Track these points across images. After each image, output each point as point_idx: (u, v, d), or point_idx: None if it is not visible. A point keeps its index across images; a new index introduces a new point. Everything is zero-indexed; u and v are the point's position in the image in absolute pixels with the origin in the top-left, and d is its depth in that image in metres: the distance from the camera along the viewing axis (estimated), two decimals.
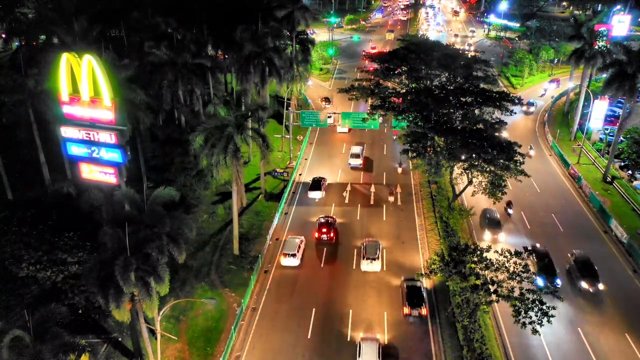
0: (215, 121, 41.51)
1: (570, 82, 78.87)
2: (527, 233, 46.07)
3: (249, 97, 57.64)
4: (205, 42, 59.66)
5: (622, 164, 61.75)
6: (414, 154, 46.11)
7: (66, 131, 34.25)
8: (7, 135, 49.85)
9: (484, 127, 46.37)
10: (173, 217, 30.45)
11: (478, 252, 32.42)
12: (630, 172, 59.79)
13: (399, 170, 58.69)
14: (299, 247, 42.13)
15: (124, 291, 26.46)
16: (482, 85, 54.62)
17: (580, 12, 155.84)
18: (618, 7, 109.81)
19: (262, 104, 50.09)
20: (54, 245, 32.41)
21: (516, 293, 30.24)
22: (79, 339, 27.60)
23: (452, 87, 52.89)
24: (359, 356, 31.16)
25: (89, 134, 33.64)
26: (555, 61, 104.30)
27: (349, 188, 54.85)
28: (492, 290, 30.69)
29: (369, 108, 54.16)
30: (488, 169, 42.98)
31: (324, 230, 44.55)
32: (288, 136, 63.07)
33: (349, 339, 33.96)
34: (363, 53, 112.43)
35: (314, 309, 36.50)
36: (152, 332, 32.37)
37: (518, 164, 42.79)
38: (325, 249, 44.03)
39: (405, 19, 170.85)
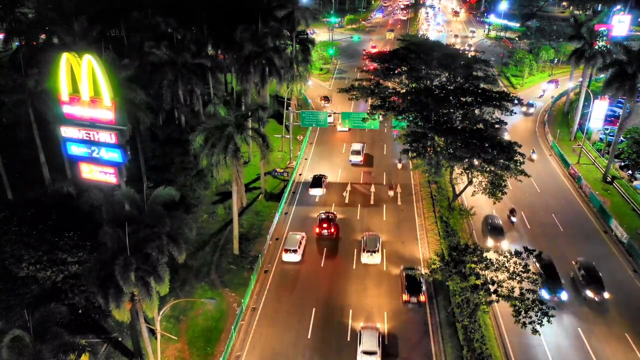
0: (215, 121, 41.51)
1: (570, 82, 78.89)
2: (530, 239, 45.46)
3: (249, 97, 57.66)
4: (205, 42, 59.67)
5: (622, 164, 61.74)
6: (414, 154, 46.12)
7: (66, 131, 34.26)
8: (7, 135, 49.84)
9: (484, 127, 46.36)
10: (173, 217, 30.44)
11: (478, 252, 32.43)
12: (630, 172, 59.78)
13: (399, 166, 58.90)
14: (300, 243, 42.66)
15: (124, 291, 26.46)
16: (482, 85, 54.61)
17: (580, 12, 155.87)
18: (618, 7, 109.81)
19: (262, 104, 50.09)
20: (54, 245, 32.39)
21: (516, 293, 30.27)
22: (79, 338, 27.63)
23: (452, 87, 52.88)
24: (360, 344, 31.98)
25: (89, 133, 33.64)
26: (555, 61, 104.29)
27: (349, 188, 54.85)
28: (492, 290, 30.70)
29: (369, 108, 54.17)
30: (488, 169, 42.99)
31: (325, 225, 45.12)
32: (288, 136, 63.07)
33: (349, 339, 33.94)
34: (364, 52, 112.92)
35: (314, 309, 36.48)
36: (152, 332, 32.36)
37: (518, 164, 42.79)
38: (326, 244, 44.55)
39: (405, 18, 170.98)
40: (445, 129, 45.21)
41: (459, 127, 45.98)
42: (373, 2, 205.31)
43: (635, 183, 56.51)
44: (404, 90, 54.86)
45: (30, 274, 32.05)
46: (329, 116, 61.23)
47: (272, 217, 48.21)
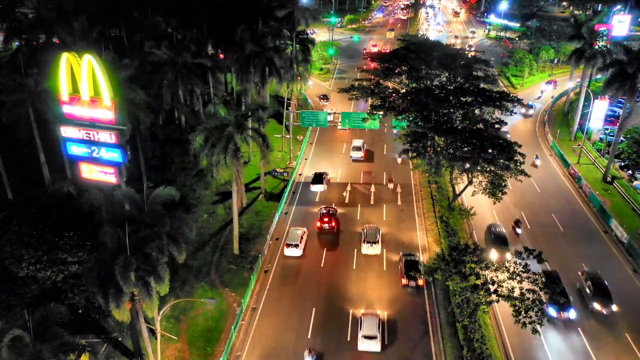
0: (215, 121, 41.51)
1: (571, 82, 78.87)
2: (530, 239, 45.32)
3: (249, 97, 57.66)
4: (205, 41, 59.71)
5: (622, 163, 61.74)
6: (414, 154, 46.12)
7: (66, 131, 34.24)
8: (7, 135, 49.83)
9: (484, 127, 46.36)
10: (173, 217, 30.42)
11: (478, 252, 32.42)
12: (630, 172, 59.78)
13: (399, 160, 59.11)
14: (302, 237, 43.23)
15: (124, 291, 26.45)
16: (482, 85, 54.63)
17: (581, 12, 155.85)
18: (618, 7, 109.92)
19: (262, 104, 50.06)
20: (54, 245, 32.40)
21: (516, 293, 30.26)
22: (79, 338, 27.60)
23: (452, 87, 52.89)
24: (360, 329, 32.99)
25: (89, 133, 33.63)
26: (556, 61, 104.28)
27: (349, 188, 54.86)
28: (492, 290, 30.71)
29: (369, 108, 54.18)
30: (488, 169, 42.98)
31: (326, 219, 45.88)
32: (288, 136, 63.07)
33: (349, 339, 33.95)
34: (364, 50, 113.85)
35: (314, 309, 36.45)
36: (152, 332, 32.36)
37: (518, 164, 42.80)
38: (327, 238, 45.37)
39: (405, 18, 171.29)
40: (445, 129, 45.21)
41: (459, 127, 45.98)
42: (373, 2, 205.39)
43: (635, 183, 56.52)
44: (404, 90, 54.89)
45: (30, 274, 32.05)
46: (329, 115, 61.31)
47: (272, 217, 48.21)
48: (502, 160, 42.44)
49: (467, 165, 43.78)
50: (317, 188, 53.67)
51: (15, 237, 32.88)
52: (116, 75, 36.67)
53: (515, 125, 73.46)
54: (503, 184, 43.10)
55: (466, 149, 43.48)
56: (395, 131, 63.42)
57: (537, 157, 60.80)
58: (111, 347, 33.12)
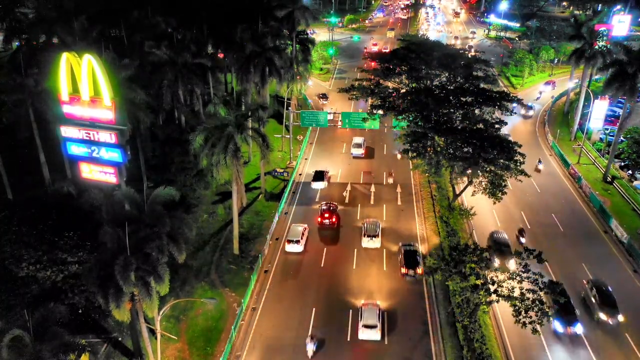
0: (216, 121, 41.50)
1: (571, 82, 78.86)
2: (530, 239, 45.47)
3: (249, 97, 57.64)
4: (205, 41, 59.68)
5: (622, 163, 61.74)
6: (414, 154, 46.11)
7: (66, 131, 34.24)
8: (7, 135, 49.83)
9: (484, 127, 46.35)
10: (173, 217, 30.42)
11: (478, 252, 32.42)
12: (630, 172, 59.78)
13: (399, 156, 59.20)
14: (303, 234, 43.83)
15: (124, 291, 26.45)
16: (482, 85, 54.62)
17: (581, 12, 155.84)
18: (618, 7, 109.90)
19: (262, 104, 50.08)
20: (54, 245, 32.40)
21: (516, 293, 30.25)
22: (79, 338, 27.59)
23: (452, 87, 52.89)
24: (361, 319, 33.83)
25: (89, 133, 33.63)
26: (556, 61, 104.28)
27: (349, 188, 54.86)
28: (492, 290, 30.71)
29: (369, 108, 54.17)
30: (488, 169, 42.96)
31: (327, 215, 46.60)
32: (288, 136, 63.08)
33: (349, 339, 33.96)
34: (365, 49, 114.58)
35: (314, 309, 36.44)
36: (152, 332, 32.36)
37: (518, 164, 42.79)
38: (327, 234, 46.12)
39: (405, 17, 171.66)
40: (445, 129, 45.21)
41: (459, 127, 45.97)
42: (373, 1, 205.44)
43: (635, 183, 56.52)
44: (404, 90, 54.88)
45: (30, 274, 32.05)
46: (329, 114, 61.41)
47: (272, 217, 48.21)
48: (502, 160, 42.41)
49: (468, 170, 43.74)
50: (318, 185, 54.28)
51: (15, 237, 32.89)
52: (116, 75, 36.66)
53: (515, 126, 73.36)
54: (503, 184, 43.10)
55: (466, 149, 43.48)
56: (395, 131, 63.43)
57: (539, 161, 59.41)
58: (111, 347, 33.11)
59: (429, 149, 45.75)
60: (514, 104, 50.85)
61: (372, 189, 54.42)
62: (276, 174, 58.22)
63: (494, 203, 44.97)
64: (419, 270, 39.20)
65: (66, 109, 33.39)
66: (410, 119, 48.13)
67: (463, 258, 32.09)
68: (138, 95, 41.13)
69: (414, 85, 56.32)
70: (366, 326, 33.33)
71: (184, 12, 59.03)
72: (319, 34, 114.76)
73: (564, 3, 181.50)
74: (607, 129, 69.73)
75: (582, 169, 58.90)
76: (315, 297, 38.15)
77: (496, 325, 35.34)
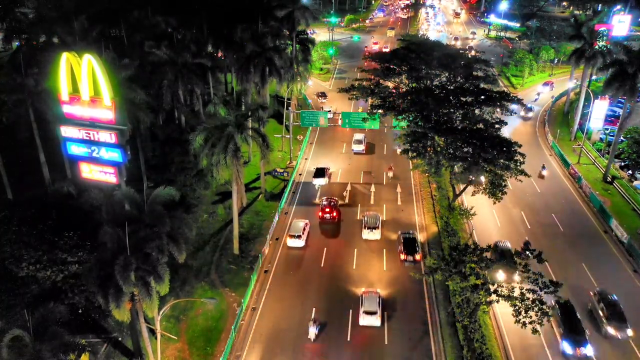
0: (216, 121, 41.52)
1: (571, 82, 78.80)
2: (530, 239, 45.25)
3: (249, 97, 57.65)
4: (205, 41, 59.65)
5: (623, 163, 61.73)
6: (414, 154, 46.10)
7: (66, 131, 34.26)
8: (7, 135, 49.80)
9: (484, 127, 46.34)
10: (173, 217, 30.44)
11: (478, 252, 32.41)
12: (630, 172, 59.77)
13: (398, 151, 59.30)
14: (304, 229, 44.58)
15: (124, 291, 26.45)
16: (482, 85, 54.61)
17: (581, 12, 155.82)
18: (618, 7, 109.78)
19: (262, 104, 50.11)
20: (54, 245, 32.38)
21: (516, 293, 30.24)
22: (79, 338, 27.65)
23: (452, 87, 52.88)
24: (362, 306, 34.86)
25: (89, 133, 33.64)
26: (556, 61, 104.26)
27: (349, 188, 54.86)
28: (492, 290, 30.71)
29: (369, 108, 54.15)
30: (488, 169, 42.94)
31: (327, 210, 47.59)
32: (288, 136, 63.08)
33: (349, 338, 33.96)
34: (365, 48, 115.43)
35: (314, 309, 36.45)
36: (152, 332, 32.36)
37: (518, 164, 42.77)
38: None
39: (406, 17, 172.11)
40: (445, 129, 45.19)
41: (459, 127, 45.96)
42: (373, 1, 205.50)
43: (635, 183, 56.50)
44: (404, 90, 54.88)
45: (30, 274, 32.03)
46: (329, 112, 61.59)
47: (272, 217, 48.22)
48: (502, 160, 42.39)
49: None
50: (319, 182, 54.93)
51: (15, 237, 32.86)
52: (116, 75, 36.66)
53: (514, 127, 73.19)
54: (503, 184, 43.10)
55: (466, 149, 43.46)
56: (395, 131, 63.43)
57: (543, 167, 58.04)
58: (111, 347, 33.12)
59: (429, 149, 45.74)
60: (515, 105, 50.75)
61: (372, 188, 54.41)
62: (276, 174, 58.22)
63: (494, 203, 44.97)
64: (417, 257, 41.06)
65: (66, 108, 33.39)
66: (410, 118, 48.12)
67: (463, 258, 32.08)
68: (138, 95, 41.14)
69: (414, 85, 56.34)
70: (367, 312, 34.42)
71: (184, 12, 59.03)
72: (319, 34, 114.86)
73: (564, 3, 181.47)
74: (607, 129, 69.72)
75: (582, 169, 58.89)
76: (316, 292, 38.63)
77: (496, 325, 35.34)
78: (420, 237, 45.29)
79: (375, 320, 34.28)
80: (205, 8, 59.26)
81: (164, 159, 48.59)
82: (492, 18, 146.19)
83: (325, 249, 44.03)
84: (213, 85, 55.02)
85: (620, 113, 62.14)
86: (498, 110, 49.39)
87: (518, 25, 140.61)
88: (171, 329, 34.53)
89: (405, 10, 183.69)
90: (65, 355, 24.54)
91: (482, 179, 44.81)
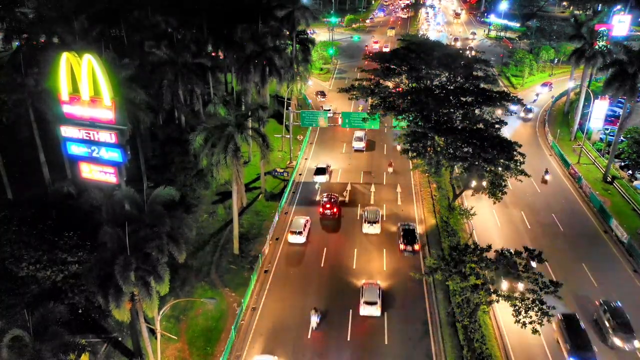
0: (216, 121, 41.51)
1: (571, 82, 78.76)
2: (530, 239, 45.51)
3: (249, 97, 57.64)
4: (205, 41, 59.64)
5: (623, 163, 61.72)
6: (414, 154, 46.11)
7: (66, 130, 34.25)
8: (7, 135, 49.82)
9: (484, 127, 46.34)
10: (173, 217, 30.45)
11: (478, 252, 32.40)
12: (630, 172, 59.77)
13: (398, 148, 59.36)
14: (305, 225, 45.17)
15: (124, 291, 26.45)
16: (482, 85, 54.60)
17: (581, 12, 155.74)
18: (618, 7, 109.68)
19: (262, 104, 50.10)
20: (54, 245, 32.37)
21: (516, 293, 30.21)
22: (79, 338, 27.66)
23: (452, 87, 52.87)
24: (362, 296, 35.79)
25: (89, 133, 33.63)
26: (556, 61, 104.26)
27: (349, 188, 54.85)
28: (492, 290, 30.69)
29: (369, 108, 54.14)
30: (488, 169, 42.94)
31: (328, 206, 48.28)
32: (288, 136, 63.08)
33: (349, 338, 33.96)
34: (366, 47, 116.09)
35: (313, 310, 36.42)
36: (152, 332, 32.35)
37: (518, 164, 42.77)
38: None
39: (406, 16, 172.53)
40: (445, 129, 45.19)
41: (459, 127, 45.96)
42: (373, 1, 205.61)
43: (635, 183, 56.49)
44: (404, 90, 54.87)
45: (30, 274, 32.01)
46: (329, 111, 61.69)
47: (272, 217, 48.22)
48: (502, 160, 42.39)
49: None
50: (320, 179, 55.71)
51: (15, 237, 32.83)
52: (116, 75, 36.67)
53: (514, 127, 73.05)
54: (503, 184, 43.09)
55: (466, 149, 43.46)
56: (395, 131, 63.44)
57: (546, 172, 56.65)
58: (111, 347, 33.12)
59: (429, 148, 45.74)
60: (515, 105, 50.75)
61: (372, 188, 54.42)
62: (276, 174, 58.22)
63: (494, 203, 44.98)
64: (416, 247, 42.47)
65: (66, 108, 33.39)
66: (410, 118, 48.11)
67: (463, 258, 32.07)
68: (138, 95, 41.13)
69: (414, 85, 56.35)
70: (367, 303, 35.34)
71: (184, 12, 59.02)
72: (319, 34, 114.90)
73: (564, 3, 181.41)
74: (607, 129, 69.70)
75: (582, 169, 58.88)
76: (316, 291, 38.81)
77: (496, 325, 35.33)
78: (421, 234, 45.76)
79: (375, 311, 35.25)
80: (205, 8, 59.25)
81: (164, 159, 48.57)
82: (492, 18, 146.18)
83: (325, 249, 44.03)
84: (213, 85, 55.01)
85: (620, 113, 62.13)
86: (499, 111, 49.37)
87: (518, 25, 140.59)
88: (171, 329, 34.53)
89: (405, 10, 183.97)
90: (65, 355, 24.53)
91: (484, 184, 44.78)
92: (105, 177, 35.26)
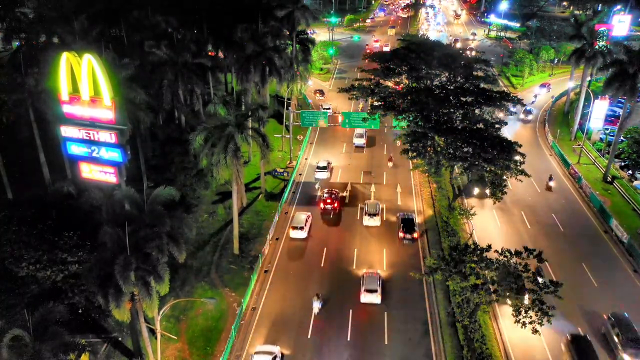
0: (216, 121, 41.51)
1: (571, 82, 78.74)
2: (530, 239, 45.85)
3: (249, 97, 57.65)
4: (205, 41, 59.63)
5: (623, 163, 61.72)
6: (414, 154, 46.11)
7: (66, 130, 34.23)
8: (7, 135, 49.81)
9: (484, 127, 46.33)
10: (173, 217, 30.44)
11: (478, 252, 32.40)
12: (630, 172, 59.77)
13: (398, 144, 59.47)
14: (306, 221, 45.88)
15: (124, 291, 26.45)
16: (482, 85, 54.57)
17: (581, 12, 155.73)
18: (618, 7, 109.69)
19: (262, 104, 50.09)
20: (54, 245, 32.36)
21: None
22: (79, 338, 27.69)
23: (452, 87, 52.85)
24: (363, 285, 37.17)
25: (89, 133, 33.62)
26: (556, 61, 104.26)
27: (349, 187, 54.85)
28: (492, 290, 30.68)
29: (369, 108, 54.12)
30: (488, 169, 42.93)
31: (329, 201, 49.25)
32: (288, 136, 63.08)
33: (349, 338, 33.95)
34: (366, 46, 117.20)
35: (313, 312, 36.43)
36: (152, 332, 32.35)
37: (518, 164, 42.75)
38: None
39: (406, 16, 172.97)
40: (445, 129, 45.17)
41: (459, 127, 45.94)
42: (373, 1, 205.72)
43: (635, 183, 56.49)
44: (404, 90, 54.84)
45: (30, 274, 32.02)
46: (328, 109, 61.69)
47: (272, 217, 48.22)
48: (502, 160, 42.37)
49: (467, 164, 43.74)
50: (322, 175, 56.62)
51: (15, 237, 32.82)
52: (116, 74, 36.66)
53: (514, 129, 72.95)
54: (503, 183, 43.06)
55: (466, 149, 43.45)
56: (395, 131, 63.45)
57: (550, 178, 55.29)
58: (111, 347, 33.12)
59: (429, 148, 45.72)
60: (515, 107, 50.73)
61: (372, 188, 54.42)
62: (276, 174, 58.22)
63: (494, 203, 44.98)
64: (415, 235, 44.28)
65: (66, 108, 33.38)
66: (410, 118, 48.10)
67: (463, 258, 32.07)
68: (138, 95, 41.13)
69: (414, 85, 56.32)
70: (367, 290, 36.61)
71: (184, 12, 59.01)
72: (319, 34, 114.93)
73: (564, 3, 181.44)
74: (607, 129, 69.69)
75: (582, 169, 58.88)
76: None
77: (496, 325, 35.32)
78: (420, 223, 47.40)
79: (375, 298, 36.53)
80: (205, 8, 59.24)
81: (164, 159, 48.56)
82: (492, 18, 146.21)
83: (326, 243, 44.30)
84: (213, 85, 55.02)
85: (620, 113, 62.12)
86: (500, 114, 49.28)
87: (518, 25, 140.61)
88: (171, 329, 34.53)
89: (405, 10, 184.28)
90: (65, 355, 24.54)
91: (488, 192, 45.76)
92: (105, 177, 35.25)
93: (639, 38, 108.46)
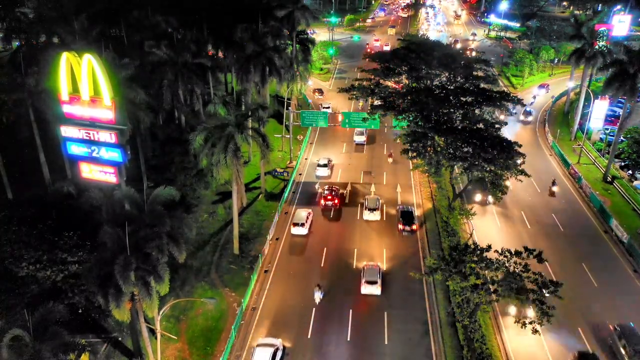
0: (216, 120, 41.49)
1: (571, 82, 78.74)
2: (530, 239, 45.87)
3: (249, 97, 57.65)
4: (205, 41, 59.63)
5: (623, 163, 61.72)
6: (414, 154, 46.11)
7: (66, 130, 34.23)
8: (7, 135, 49.79)
9: (484, 127, 46.33)
10: (173, 217, 30.43)
11: (478, 252, 32.40)
12: (630, 172, 59.76)
13: (398, 141, 59.28)
14: (307, 218, 46.50)
15: (124, 291, 26.43)
16: (482, 85, 54.57)
17: (581, 12, 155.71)
18: (618, 7, 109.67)
19: (262, 104, 50.04)
20: (54, 245, 32.36)
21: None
22: (79, 338, 27.65)
23: (452, 87, 52.85)
24: (364, 276, 38.09)
25: (89, 133, 33.62)
26: (556, 61, 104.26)
27: (349, 187, 54.85)
28: (492, 290, 30.69)
29: (369, 108, 54.12)
30: (488, 169, 42.92)
31: (329, 197, 50.18)
32: (288, 136, 63.08)
33: (348, 339, 33.96)
34: (366, 45, 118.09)
35: (313, 312, 36.45)
36: (152, 332, 32.35)
37: (518, 164, 42.72)
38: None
39: (406, 16, 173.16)
40: (445, 129, 45.17)
41: (459, 127, 45.94)
42: (373, 1, 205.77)
43: (635, 183, 56.49)
44: (404, 90, 54.84)
45: (30, 274, 32.01)
46: (328, 108, 61.68)
47: (272, 217, 48.22)
48: (502, 160, 42.36)
49: (467, 164, 43.76)
50: (322, 172, 57.32)
51: (15, 237, 32.82)
52: (116, 74, 36.65)
53: (514, 130, 72.88)
54: (503, 183, 43.05)
55: (466, 149, 43.45)
56: (395, 131, 63.46)
57: (554, 183, 54.18)
58: (111, 347, 33.11)
59: (429, 148, 45.71)
60: (515, 106, 50.73)
61: (372, 188, 54.42)
62: (276, 174, 58.22)
63: (494, 203, 44.94)
64: (414, 227, 45.38)
65: (66, 108, 33.37)
66: (411, 118, 48.10)
67: (463, 258, 32.07)
68: (138, 95, 41.12)
69: (414, 85, 56.32)
70: (368, 282, 37.54)
71: (184, 12, 59.01)
72: (319, 34, 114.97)
73: (564, 3, 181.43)
74: (607, 129, 69.69)
75: (582, 169, 58.88)
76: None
77: (496, 325, 35.32)
78: (418, 216, 48.32)
79: (375, 289, 37.43)
80: (205, 8, 59.23)
81: (164, 159, 48.56)
82: (492, 18, 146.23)
83: (325, 245, 44.22)
84: (213, 85, 55.00)
85: (620, 113, 62.12)
86: (501, 116, 49.27)
87: (518, 25, 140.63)
88: (171, 329, 34.52)
89: (405, 10, 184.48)
90: (65, 355, 24.53)
91: (490, 198, 46.68)
92: (105, 177, 35.25)
93: (639, 38, 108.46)
